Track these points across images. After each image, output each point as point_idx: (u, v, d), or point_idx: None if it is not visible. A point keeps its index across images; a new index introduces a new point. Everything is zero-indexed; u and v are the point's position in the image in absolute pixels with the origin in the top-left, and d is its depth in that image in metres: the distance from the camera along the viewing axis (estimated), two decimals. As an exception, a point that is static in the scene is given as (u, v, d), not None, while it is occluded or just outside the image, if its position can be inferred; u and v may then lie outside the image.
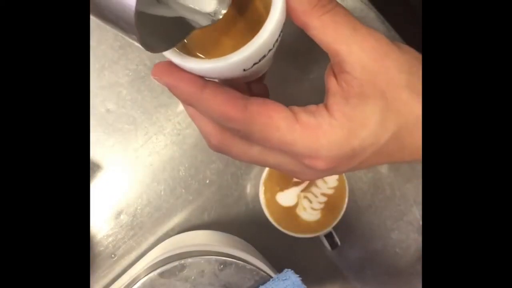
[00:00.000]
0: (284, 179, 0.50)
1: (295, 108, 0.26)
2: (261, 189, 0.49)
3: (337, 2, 0.26)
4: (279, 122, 0.25)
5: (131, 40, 0.23)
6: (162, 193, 0.53)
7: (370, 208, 0.55)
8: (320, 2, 0.25)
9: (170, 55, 0.26)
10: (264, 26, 0.25)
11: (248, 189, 0.53)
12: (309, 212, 0.50)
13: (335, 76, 0.26)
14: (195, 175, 0.53)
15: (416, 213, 0.55)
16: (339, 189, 0.50)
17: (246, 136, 0.26)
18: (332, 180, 0.50)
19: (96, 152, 0.52)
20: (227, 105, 0.25)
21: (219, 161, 0.53)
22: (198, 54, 0.28)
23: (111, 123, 0.52)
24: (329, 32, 0.25)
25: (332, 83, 0.26)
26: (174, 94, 0.26)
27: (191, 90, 0.25)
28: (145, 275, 0.41)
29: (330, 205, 0.50)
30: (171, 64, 0.26)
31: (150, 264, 0.42)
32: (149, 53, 0.52)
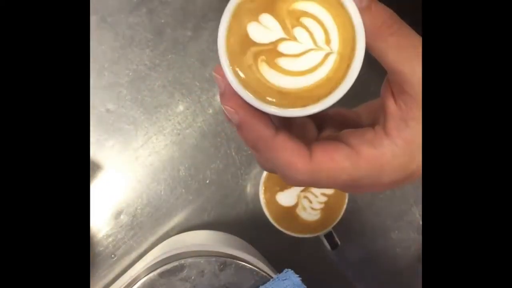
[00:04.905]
0: (284, 179, 0.50)
1: (352, 138, 0.26)
2: (261, 189, 0.49)
3: (401, 21, 0.25)
4: (344, 163, 0.25)
5: None
6: (162, 193, 0.53)
7: (370, 208, 0.55)
8: (385, 24, 0.24)
9: (251, 98, 0.25)
10: (353, 67, 0.25)
11: (248, 189, 0.53)
12: (309, 212, 0.50)
13: (393, 95, 0.26)
14: (195, 175, 0.53)
15: (416, 213, 0.55)
16: (339, 189, 0.50)
17: (311, 185, 0.27)
18: (332, 180, 0.50)
19: (96, 152, 0.52)
20: (295, 155, 0.25)
21: (219, 161, 0.53)
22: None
23: (111, 123, 0.52)
24: (393, 53, 0.25)
25: (390, 103, 0.26)
26: (243, 132, 0.26)
27: (265, 133, 0.25)
28: (145, 275, 0.41)
29: (330, 205, 0.50)
30: (242, 99, 0.25)
31: (150, 264, 0.42)
32: (149, 53, 0.52)
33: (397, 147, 0.25)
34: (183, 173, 0.53)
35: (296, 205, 0.50)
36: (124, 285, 0.42)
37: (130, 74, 0.52)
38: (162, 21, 0.52)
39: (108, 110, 0.52)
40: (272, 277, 0.41)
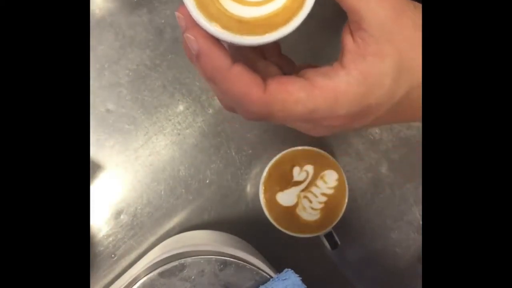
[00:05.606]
0: (284, 179, 0.50)
1: (309, 72, 0.26)
2: (261, 189, 0.49)
3: None
4: (298, 94, 0.25)
5: None
6: (162, 193, 0.53)
7: (370, 208, 0.55)
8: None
9: (206, 22, 0.25)
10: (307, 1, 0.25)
11: (248, 189, 0.53)
12: (309, 212, 0.50)
13: (351, 33, 0.26)
14: (195, 175, 0.53)
15: (416, 213, 0.55)
16: (339, 189, 0.50)
17: (267, 118, 0.27)
18: (332, 180, 0.50)
19: (96, 152, 0.52)
20: (250, 86, 0.25)
21: (219, 161, 0.53)
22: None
23: (111, 123, 0.52)
24: None
25: (348, 41, 0.26)
26: (201, 61, 0.26)
27: (222, 63, 0.25)
28: (145, 275, 0.41)
29: (330, 205, 0.50)
30: (203, 30, 0.26)
31: (150, 264, 0.42)
32: (149, 53, 0.52)
33: (352, 77, 0.25)
34: (183, 173, 0.53)
35: (296, 205, 0.50)
36: (124, 285, 0.42)
37: (130, 74, 0.52)
38: (162, 21, 0.52)
39: (108, 110, 0.52)
40: (272, 277, 0.41)
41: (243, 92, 0.25)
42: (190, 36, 0.26)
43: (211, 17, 0.25)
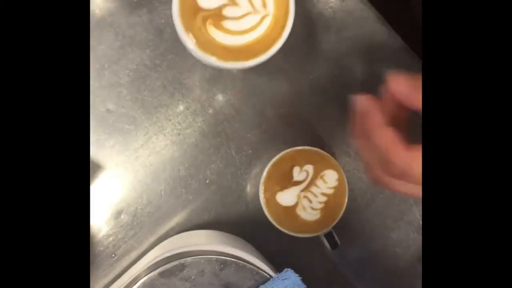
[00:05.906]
0: (284, 179, 0.50)
1: None
2: (261, 189, 0.49)
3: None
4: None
5: None
6: (162, 193, 0.53)
7: (370, 208, 0.55)
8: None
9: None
10: (287, 28, 0.30)
11: (248, 189, 0.53)
12: (309, 212, 0.50)
13: None
14: (195, 175, 0.53)
15: (416, 213, 0.55)
16: (339, 189, 0.50)
17: (407, 173, 0.31)
18: (332, 180, 0.50)
19: (96, 152, 0.52)
20: (397, 141, 0.31)
21: (219, 161, 0.53)
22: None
23: (111, 123, 0.52)
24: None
25: None
26: (367, 124, 0.33)
27: (380, 121, 0.32)
28: (145, 275, 0.41)
29: (330, 205, 0.50)
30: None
31: (150, 264, 0.42)
32: (149, 53, 0.52)
33: None
34: (183, 173, 0.53)
35: (296, 205, 0.50)
36: (124, 285, 0.42)
37: (130, 74, 0.52)
38: (162, 21, 0.52)
39: (108, 110, 0.52)
40: (272, 277, 0.41)
41: (392, 144, 0.31)
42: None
43: (200, 45, 0.30)
